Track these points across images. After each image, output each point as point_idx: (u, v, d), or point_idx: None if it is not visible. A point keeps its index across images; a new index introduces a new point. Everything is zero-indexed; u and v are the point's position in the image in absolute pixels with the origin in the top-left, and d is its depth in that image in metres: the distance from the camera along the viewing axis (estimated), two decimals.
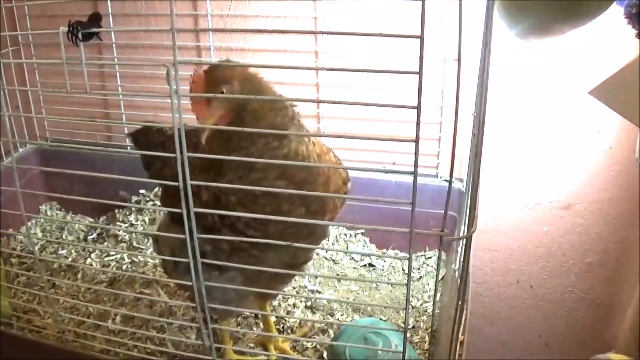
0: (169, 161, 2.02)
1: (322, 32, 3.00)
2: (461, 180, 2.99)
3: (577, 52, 2.73)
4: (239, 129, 1.67)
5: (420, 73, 1.25)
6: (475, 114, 2.07)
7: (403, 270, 3.05)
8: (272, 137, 1.78)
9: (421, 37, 1.23)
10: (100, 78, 3.56)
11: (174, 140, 1.45)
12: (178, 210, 1.58)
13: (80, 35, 1.58)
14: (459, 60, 1.41)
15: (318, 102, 3.20)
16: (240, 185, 1.74)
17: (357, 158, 3.13)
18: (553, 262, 3.21)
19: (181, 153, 1.47)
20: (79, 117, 3.56)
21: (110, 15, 3.26)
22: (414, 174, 1.38)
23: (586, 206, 3.05)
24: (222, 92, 1.79)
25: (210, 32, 3.14)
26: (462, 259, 1.61)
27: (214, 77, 1.83)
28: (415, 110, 1.29)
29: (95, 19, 1.83)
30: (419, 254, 3.13)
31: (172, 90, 1.41)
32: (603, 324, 3.25)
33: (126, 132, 3.41)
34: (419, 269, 3.08)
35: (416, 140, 1.32)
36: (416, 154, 1.35)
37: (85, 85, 1.55)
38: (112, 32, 3.30)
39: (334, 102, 1.47)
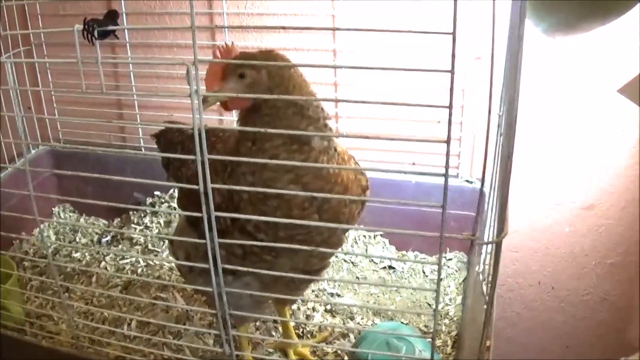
0: (186, 160, 2.04)
1: (345, 29, 2.95)
2: (481, 180, 2.88)
3: (600, 50, 2.67)
4: (248, 128, 1.66)
5: (452, 72, 1.18)
6: (500, 113, 2.02)
7: (424, 272, 3.01)
8: (293, 139, 1.71)
9: (453, 34, 1.17)
10: (114, 78, 3.52)
11: (193, 139, 1.38)
12: (198, 215, 1.51)
13: (96, 34, 1.52)
14: (492, 57, 1.34)
15: (342, 101, 3.17)
16: (252, 181, 1.72)
17: (375, 158, 3.10)
18: (575, 263, 3.14)
19: (202, 155, 1.40)
20: (92, 118, 3.51)
21: (124, 14, 3.22)
22: (445, 175, 1.30)
23: (609, 206, 2.97)
24: (243, 76, 1.74)
25: (227, 30, 3.12)
26: (491, 264, 1.53)
27: (242, 58, 1.79)
28: (447, 109, 1.21)
29: (112, 16, 1.78)
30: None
31: (192, 89, 1.35)
32: (625, 325, 3.18)
33: (141, 133, 3.44)
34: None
35: (447, 141, 1.26)
36: (447, 154, 1.30)
37: (101, 85, 1.49)
38: (126, 31, 3.27)
39: (362, 102, 1.41)
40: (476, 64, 2.78)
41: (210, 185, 1.46)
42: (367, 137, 1.59)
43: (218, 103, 1.85)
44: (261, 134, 1.69)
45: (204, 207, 1.49)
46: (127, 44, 3.34)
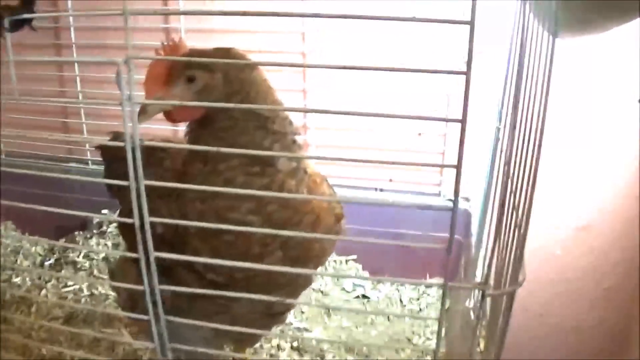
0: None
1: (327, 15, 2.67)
2: (467, 199, 2.74)
3: (597, 65, 2.45)
4: (198, 147, 1.37)
5: (468, 72, 0.88)
6: (500, 126, 1.77)
7: (401, 301, 2.77)
8: (254, 160, 1.44)
9: (471, 24, 0.87)
10: (59, 83, 3.23)
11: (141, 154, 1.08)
12: (134, 255, 1.20)
13: (6, 24, 1.19)
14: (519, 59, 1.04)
15: (318, 111, 2.88)
16: (202, 209, 1.45)
17: (347, 173, 2.87)
18: (566, 288, 2.90)
19: (137, 180, 1.08)
20: (33, 128, 3.24)
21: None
22: (454, 209, 1.00)
23: (606, 227, 2.73)
24: (192, 79, 1.43)
25: (183, 22, 2.88)
26: (502, 315, 1.24)
27: (192, 56, 1.47)
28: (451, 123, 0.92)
29: (28, 3, 1.43)
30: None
31: (123, 95, 1.03)
32: (622, 353, 2.91)
33: (87, 145, 3.19)
34: (418, 299, 2.80)
35: (458, 166, 0.95)
36: (457, 182, 0.98)
37: (14, 90, 1.18)
38: (72, 29, 3.02)
39: (343, 113, 1.09)
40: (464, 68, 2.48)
41: (147, 220, 1.13)
42: (347, 160, 1.23)
43: (161, 113, 1.48)
44: (214, 153, 1.37)
45: (139, 247, 1.17)
46: (74, 45, 3.07)
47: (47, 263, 3.07)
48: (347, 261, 2.93)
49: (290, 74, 2.80)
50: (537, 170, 1.13)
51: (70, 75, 3.16)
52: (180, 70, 1.42)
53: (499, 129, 1.82)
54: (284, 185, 1.48)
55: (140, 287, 1.26)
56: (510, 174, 1.31)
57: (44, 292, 2.84)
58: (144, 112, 1.37)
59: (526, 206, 1.16)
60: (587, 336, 2.98)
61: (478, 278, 2.03)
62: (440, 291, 2.64)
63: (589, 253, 2.80)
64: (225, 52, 1.51)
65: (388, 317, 2.67)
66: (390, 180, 2.87)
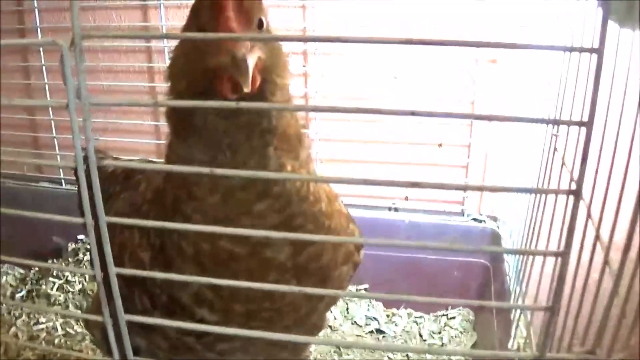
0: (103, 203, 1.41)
1: None
2: (494, 219, 2.53)
3: None
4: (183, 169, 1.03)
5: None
6: (557, 133, 1.49)
7: (420, 335, 2.50)
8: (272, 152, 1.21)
9: (599, 52, 0.68)
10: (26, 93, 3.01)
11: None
12: (98, 318, 0.87)
13: None
14: None
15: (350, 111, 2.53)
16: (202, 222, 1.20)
17: (356, 191, 2.62)
18: None
19: (95, 216, 0.75)
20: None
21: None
22: (564, 253, 0.66)
23: None
24: (261, 25, 1.15)
25: (162, 7, 2.64)
26: None
27: None
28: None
29: None
30: (438, 313, 2.60)
31: (69, 91, 0.68)
32: None
33: (59, 161, 3.00)
34: (439, 332, 2.53)
35: (577, 190, 0.62)
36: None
37: None
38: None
39: (384, 112, 0.75)
40: (490, 68, 2.31)
41: (114, 271, 0.80)
42: (355, 182, 0.89)
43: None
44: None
45: (103, 309, 0.84)
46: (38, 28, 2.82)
47: (18, 295, 2.81)
48: (357, 290, 2.69)
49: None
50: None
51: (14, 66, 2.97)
52: (257, 10, 1.14)
53: (556, 137, 1.50)
54: (301, 188, 1.27)
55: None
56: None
57: (13, 329, 2.58)
58: (246, 68, 1.03)
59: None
60: None
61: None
62: (466, 322, 2.40)
63: None
64: None
65: (407, 355, 2.40)
66: (406, 198, 2.63)
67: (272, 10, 2.43)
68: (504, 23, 2.20)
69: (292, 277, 1.29)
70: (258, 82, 1.13)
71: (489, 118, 0.73)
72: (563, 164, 1.38)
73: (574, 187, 0.70)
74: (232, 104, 0.80)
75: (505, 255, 2.23)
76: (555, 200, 1.46)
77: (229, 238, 1.20)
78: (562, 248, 0.73)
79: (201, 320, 1.27)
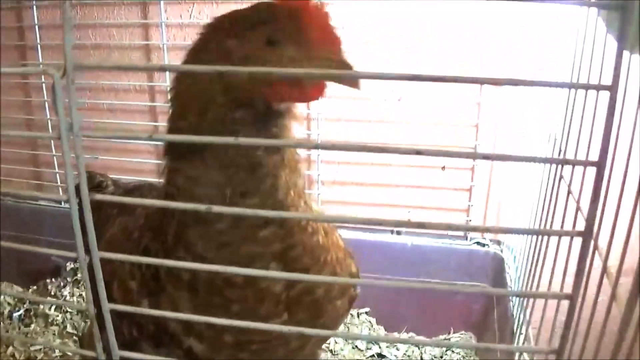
0: (100, 226, 1.38)
1: None
2: (498, 242, 2.48)
3: None
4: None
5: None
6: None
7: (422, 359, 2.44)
8: (276, 199, 1.21)
9: (612, 89, 0.68)
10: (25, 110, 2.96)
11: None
12: (91, 354, 0.86)
13: None
14: None
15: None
16: (204, 256, 1.20)
17: (359, 213, 2.58)
18: None
19: (88, 251, 0.73)
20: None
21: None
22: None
23: None
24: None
25: (163, 26, 2.59)
26: None
27: None
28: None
29: None
30: (440, 337, 2.54)
31: (62, 122, 0.66)
32: None
33: (59, 180, 2.93)
34: (441, 357, 2.45)
35: (586, 231, 0.59)
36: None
37: None
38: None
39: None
40: (494, 89, 2.32)
41: (107, 307, 0.78)
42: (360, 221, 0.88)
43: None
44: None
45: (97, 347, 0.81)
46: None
47: (15, 315, 2.75)
48: (359, 314, 2.63)
49: None
50: None
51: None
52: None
53: (561, 177, 1.49)
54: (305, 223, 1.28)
55: None
56: None
57: (10, 349, 2.52)
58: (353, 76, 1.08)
59: None
60: None
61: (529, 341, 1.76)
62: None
63: None
64: None
65: None
66: (409, 221, 2.50)
67: None
68: (504, 22, 2.19)
69: (285, 309, 1.28)
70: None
71: (493, 158, 0.71)
72: (570, 198, 1.36)
73: (582, 226, 0.68)
74: (230, 139, 0.77)
75: (508, 280, 2.20)
76: (562, 226, 1.44)
77: (228, 264, 1.17)
78: (570, 289, 0.71)
79: (189, 350, 1.26)
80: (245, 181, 1.15)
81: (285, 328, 0.94)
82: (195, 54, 1.18)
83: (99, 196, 0.81)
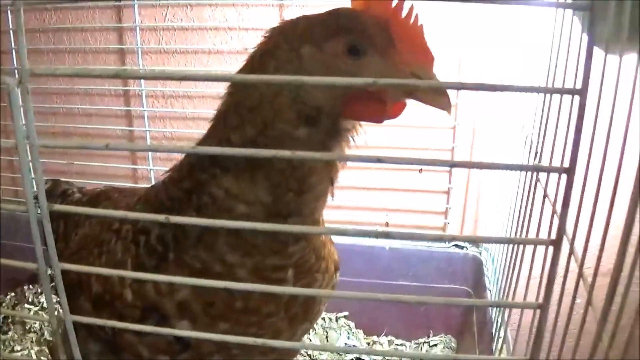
0: (65, 236, 1.62)
1: None
2: (476, 244, 2.47)
3: None
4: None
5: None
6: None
7: None
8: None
9: (582, 93, 0.67)
10: None
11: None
12: None
13: None
14: None
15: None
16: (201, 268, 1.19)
17: (337, 216, 2.57)
18: None
19: (50, 266, 0.72)
20: None
21: None
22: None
23: None
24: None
25: (138, 30, 2.58)
26: None
27: None
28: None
29: None
30: (420, 340, 2.51)
31: (18, 132, 0.64)
32: None
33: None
34: None
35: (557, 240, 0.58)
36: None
37: None
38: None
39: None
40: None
41: (70, 318, 0.76)
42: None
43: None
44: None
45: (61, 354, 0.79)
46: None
47: None
48: (337, 318, 2.61)
49: None
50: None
51: None
52: None
53: (537, 181, 1.48)
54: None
55: None
56: None
57: None
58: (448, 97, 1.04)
59: None
60: None
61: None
62: (448, 350, 2.42)
63: None
64: None
65: None
66: (387, 224, 2.57)
67: (249, 9, 2.42)
68: (481, 26, 2.20)
69: (284, 307, 1.28)
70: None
71: (469, 165, 0.70)
72: (545, 205, 1.34)
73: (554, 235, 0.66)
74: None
75: (487, 283, 2.19)
76: (538, 229, 1.42)
77: (249, 270, 1.18)
78: (541, 299, 0.70)
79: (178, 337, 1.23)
80: (291, 203, 1.12)
81: (278, 343, 0.93)
82: (261, 59, 1.10)
83: (57, 207, 0.79)
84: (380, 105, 1.06)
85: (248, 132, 1.07)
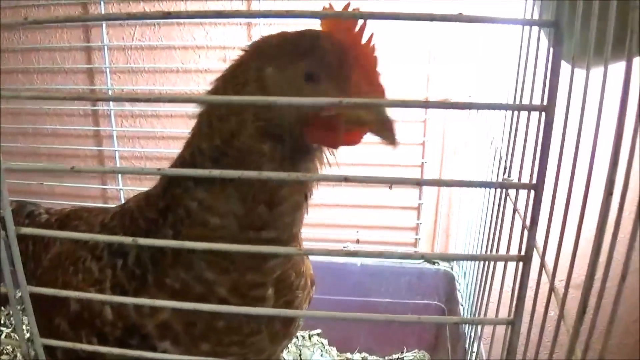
0: (35, 256, 1.58)
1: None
2: (447, 260, 2.48)
3: None
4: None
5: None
6: (509, 178, 1.45)
7: None
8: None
9: (548, 109, 0.68)
10: None
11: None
12: None
13: None
14: None
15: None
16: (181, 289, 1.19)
17: (307, 234, 2.43)
18: None
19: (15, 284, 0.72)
20: None
21: None
22: None
23: None
24: None
25: (106, 49, 2.56)
26: None
27: None
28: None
29: None
30: (393, 356, 2.51)
31: None
32: None
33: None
34: None
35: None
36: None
37: None
38: None
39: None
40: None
41: (40, 342, 0.76)
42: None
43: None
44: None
45: None
46: None
47: None
48: (310, 336, 2.59)
49: None
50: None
51: None
52: None
53: (506, 180, 1.46)
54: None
55: None
56: None
57: None
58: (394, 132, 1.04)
59: None
60: None
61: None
62: None
63: None
64: None
65: None
66: (358, 241, 2.56)
67: (217, 28, 2.42)
68: (450, 43, 2.22)
69: (266, 327, 1.29)
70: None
71: (438, 184, 0.69)
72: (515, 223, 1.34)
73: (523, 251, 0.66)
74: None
75: (459, 298, 2.19)
76: (509, 243, 1.42)
77: (228, 288, 1.18)
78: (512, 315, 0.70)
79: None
80: (263, 215, 1.11)
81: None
82: (233, 73, 1.11)
83: (25, 230, 0.78)
84: (334, 133, 1.07)
85: (216, 141, 1.08)
